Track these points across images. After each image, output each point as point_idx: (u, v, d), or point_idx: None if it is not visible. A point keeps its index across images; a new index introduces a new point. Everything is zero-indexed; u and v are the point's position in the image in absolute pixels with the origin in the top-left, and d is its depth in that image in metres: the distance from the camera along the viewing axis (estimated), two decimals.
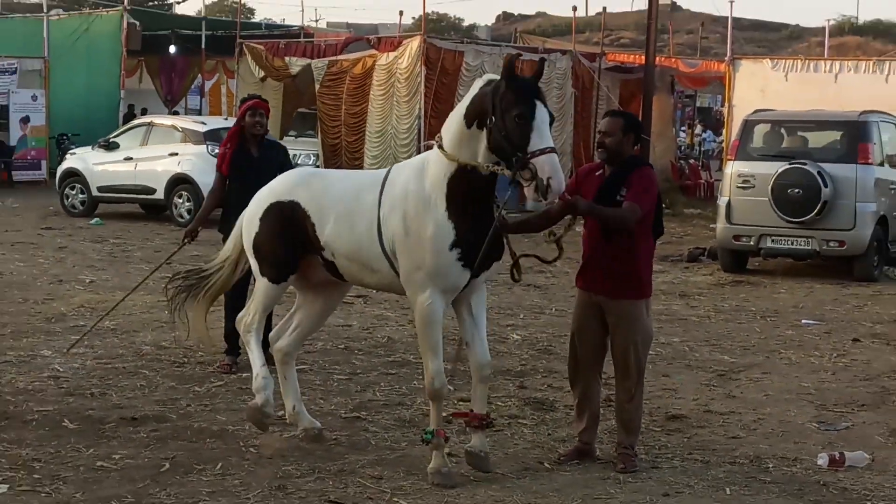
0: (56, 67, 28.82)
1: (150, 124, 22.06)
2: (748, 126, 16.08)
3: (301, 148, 25.10)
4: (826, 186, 14.79)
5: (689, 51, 49.03)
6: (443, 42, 26.06)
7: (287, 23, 44.56)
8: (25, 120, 27.54)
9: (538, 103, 6.03)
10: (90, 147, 22.33)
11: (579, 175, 6.97)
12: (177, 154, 20.51)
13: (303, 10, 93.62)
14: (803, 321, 12.00)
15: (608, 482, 6.43)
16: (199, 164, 19.49)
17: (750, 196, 15.38)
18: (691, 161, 31.64)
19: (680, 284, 14.51)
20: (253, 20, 48.80)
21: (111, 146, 21.62)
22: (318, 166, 23.31)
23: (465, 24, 78.56)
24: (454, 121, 6.30)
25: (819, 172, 14.83)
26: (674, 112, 33.61)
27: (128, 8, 30.60)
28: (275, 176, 7.33)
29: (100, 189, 21.40)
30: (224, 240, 8.12)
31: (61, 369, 8.82)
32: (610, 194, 6.61)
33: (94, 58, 30.24)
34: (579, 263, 6.90)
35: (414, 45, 24.23)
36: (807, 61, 25.34)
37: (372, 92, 24.65)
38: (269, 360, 7.38)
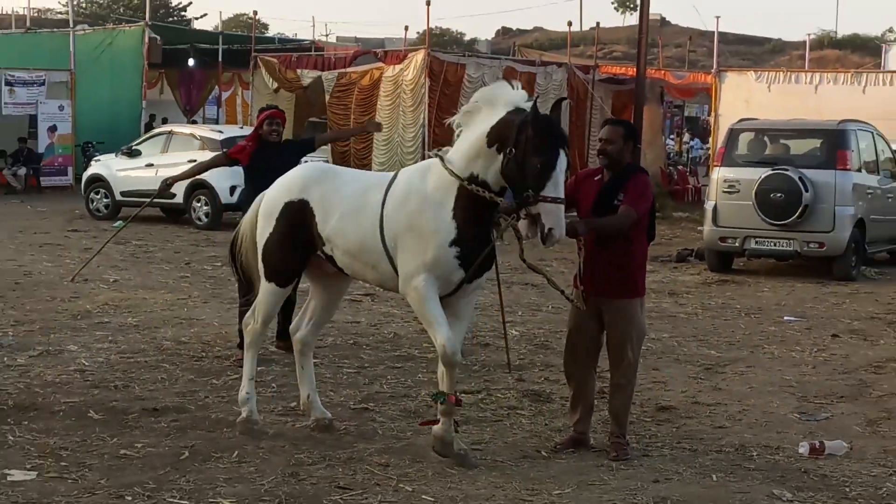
0: (82, 79, 28.79)
1: (171, 133, 22.04)
2: (733, 134, 16.06)
3: (312, 155, 24.98)
4: (807, 191, 14.78)
5: (678, 63, 49.13)
6: (446, 55, 26.05)
7: (299, 37, 44.47)
8: (53, 129, 27.53)
9: (562, 153, 5.96)
10: (114, 154, 22.31)
11: (578, 178, 6.92)
12: (195, 161, 20.42)
13: (314, 26, 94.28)
14: (785, 318, 11.99)
15: (602, 469, 6.43)
16: (217, 170, 19.32)
17: (735, 200, 15.36)
18: (680, 167, 31.58)
19: (669, 283, 14.49)
20: (267, 35, 48.77)
21: (133, 153, 21.59)
22: None
23: (467, 38, 78.73)
24: (475, 135, 6.16)
25: (800, 178, 14.81)
26: (663, 121, 33.58)
27: (149, 23, 30.68)
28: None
29: (123, 194, 21.34)
30: None
31: (87, 363, 8.82)
32: (608, 198, 6.61)
33: (118, 70, 30.25)
34: (575, 265, 6.90)
35: (419, 58, 24.25)
36: (788, 73, 25.37)
37: (379, 102, 24.68)
38: (289, 348, 7.34)
